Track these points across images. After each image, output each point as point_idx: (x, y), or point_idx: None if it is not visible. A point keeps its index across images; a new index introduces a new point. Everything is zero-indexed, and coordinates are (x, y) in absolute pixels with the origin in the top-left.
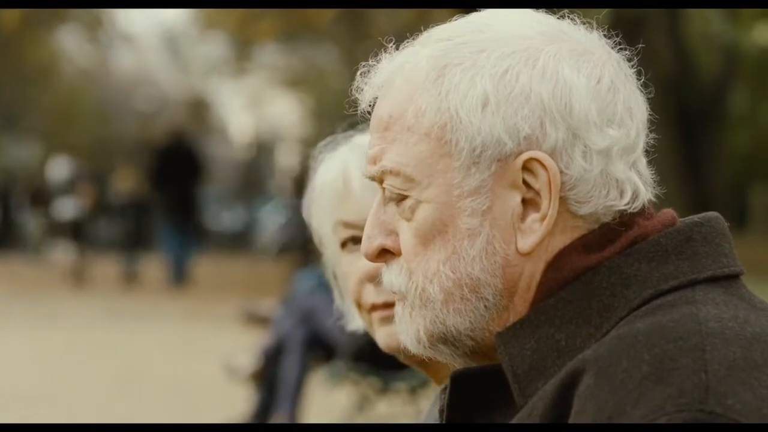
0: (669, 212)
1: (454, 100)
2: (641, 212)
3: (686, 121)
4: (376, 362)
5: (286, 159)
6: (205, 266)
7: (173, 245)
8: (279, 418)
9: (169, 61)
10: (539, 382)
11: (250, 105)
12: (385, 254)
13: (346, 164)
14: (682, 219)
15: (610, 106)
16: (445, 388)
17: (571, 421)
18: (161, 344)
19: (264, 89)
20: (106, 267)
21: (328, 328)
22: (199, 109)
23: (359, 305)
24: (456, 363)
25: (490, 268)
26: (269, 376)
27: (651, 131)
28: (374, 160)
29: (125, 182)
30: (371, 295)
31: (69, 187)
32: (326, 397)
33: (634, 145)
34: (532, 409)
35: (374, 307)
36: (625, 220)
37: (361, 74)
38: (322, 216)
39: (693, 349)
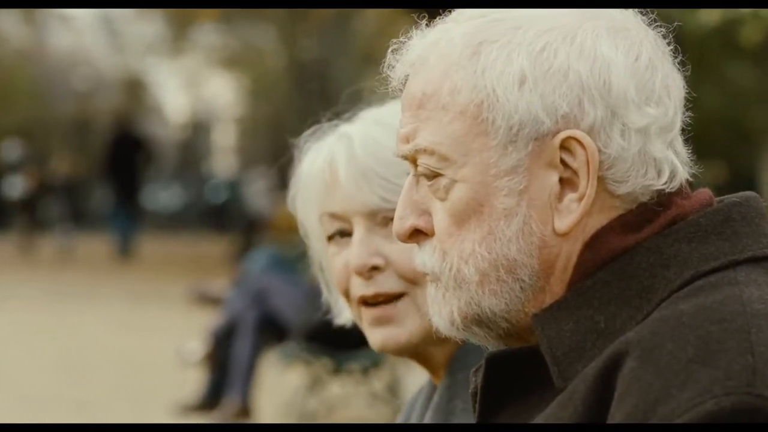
0: (706, 192)
1: (491, 78)
2: (678, 192)
3: None
4: (328, 343)
5: (223, 139)
6: (147, 246)
7: (119, 223)
8: (231, 399)
9: (105, 40)
10: (579, 365)
11: (187, 85)
12: (417, 235)
13: (333, 154)
14: (719, 198)
15: (648, 84)
16: (477, 370)
17: (615, 403)
18: (108, 325)
19: (201, 69)
20: (49, 247)
21: (280, 309)
22: (136, 88)
23: (348, 297)
24: (490, 345)
25: (527, 248)
26: (220, 358)
27: None
28: (407, 139)
29: (63, 163)
30: (360, 287)
31: (18, 167)
32: (278, 377)
33: (672, 123)
34: (573, 392)
35: (363, 300)
36: (663, 200)
37: (392, 51)
38: (308, 207)
39: (738, 331)
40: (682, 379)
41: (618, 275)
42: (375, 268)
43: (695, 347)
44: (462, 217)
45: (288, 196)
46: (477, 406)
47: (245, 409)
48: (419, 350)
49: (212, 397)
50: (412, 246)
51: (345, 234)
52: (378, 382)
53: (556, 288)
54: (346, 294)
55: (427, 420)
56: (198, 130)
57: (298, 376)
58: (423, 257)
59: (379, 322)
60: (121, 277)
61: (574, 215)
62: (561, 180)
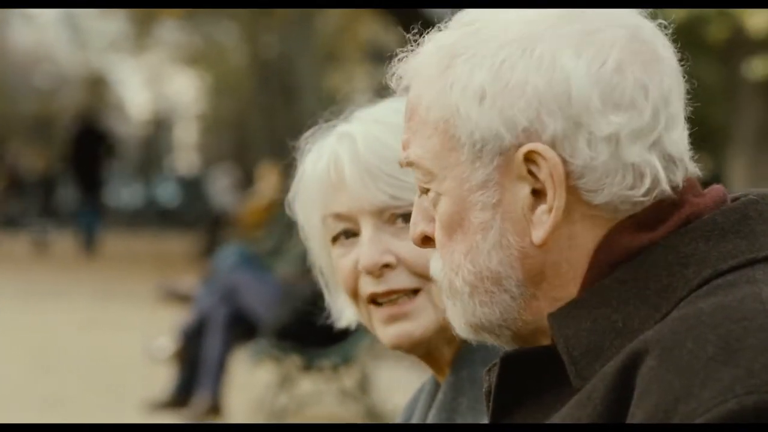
0: (719, 189)
1: (456, 94)
2: (691, 189)
3: None
4: (299, 340)
5: (185, 136)
6: (111, 243)
7: (84, 219)
8: (201, 396)
9: (68, 37)
10: (596, 364)
11: (149, 82)
12: (428, 241)
13: (336, 154)
14: (734, 195)
15: (616, 90)
16: (490, 369)
17: (635, 402)
18: (76, 322)
19: (163, 66)
20: (17, 244)
21: (250, 306)
22: (99, 86)
23: (356, 297)
24: (506, 347)
25: (507, 260)
26: (190, 355)
27: None
28: (404, 147)
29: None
30: (370, 285)
31: None
32: (249, 375)
33: (650, 125)
34: (591, 391)
35: (374, 297)
36: (676, 198)
37: (398, 58)
38: (310, 209)
39: (759, 330)
40: (703, 378)
41: (635, 274)
42: (386, 266)
43: (716, 346)
44: (450, 230)
45: (288, 198)
46: (490, 405)
47: (216, 407)
48: (431, 347)
49: (182, 395)
50: None
51: (350, 234)
52: (348, 379)
53: (556, 293)
54: (354, 295)
55: (431, 418)
56: (160, 128)
57: (268, 373)
58: (433, 265)
59: (394, 318)
60: (88, 273)
61: (545, 226)
62: (534, 191)
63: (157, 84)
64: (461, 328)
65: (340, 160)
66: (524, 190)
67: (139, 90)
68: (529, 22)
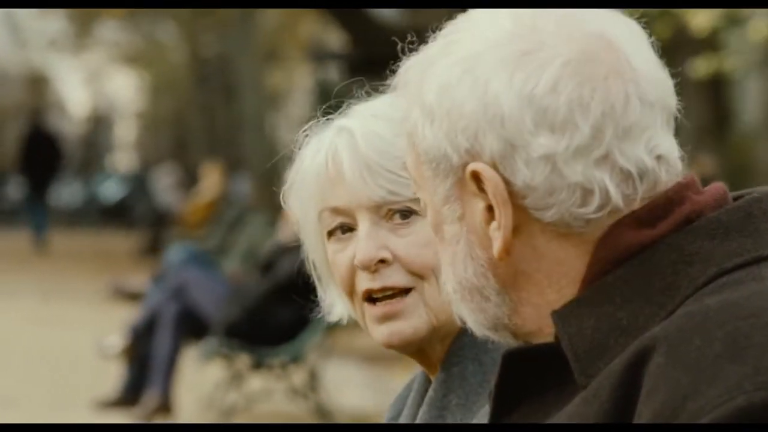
0: (720, 186)
1: (417, 111)
2: (690, 186)
3: None
4: (248, 338)
5: (125, 134)
6: (55, 241)
7: (32, 217)
8: (151, 394)
9: (8, 36)
10: (601, 362)
11: (89, 80)
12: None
13: (335, 148)
14: (735, 194)
15: (549, 110)
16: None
17: (642, 399)
18: (24, 320)
19: (103, 65)
20: None
21: (200, 304)
22: (39, 84)
23: (352, 294)
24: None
25: (480, 271)
26: (140, 353)
27: None
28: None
29: None
30: (366, 281)
31: None
32: (198, 373)
33: (593, 142)
34: (598, 389)
35: (369, 293)
36: (673, 195)
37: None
38: (307, 203)
39: (766, 327)
40: (710, 375)
41: (639, 272)
42: (382, 262)
43: (723, 343)
44: (437, 239)
45: (283, 192)
46: (491, 403)
47: (166, 405)
48: (423, 345)
49: (132, 393)
50: (418, 240)
51: (347, 229)
52: (297, 377)
53: (537, 299)
54: (350, 291)
55: (421, 414)
56: (100, 126)
57: (217, 371)
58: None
59: (386, 317)
60: (34, 272)
61: (498, 243)
62: (489, 207)
63: (96, 82)
64: (472, 327)
65: (339, 154)
66: (479, 206)
67: (79, 88)
68: (479, 40)
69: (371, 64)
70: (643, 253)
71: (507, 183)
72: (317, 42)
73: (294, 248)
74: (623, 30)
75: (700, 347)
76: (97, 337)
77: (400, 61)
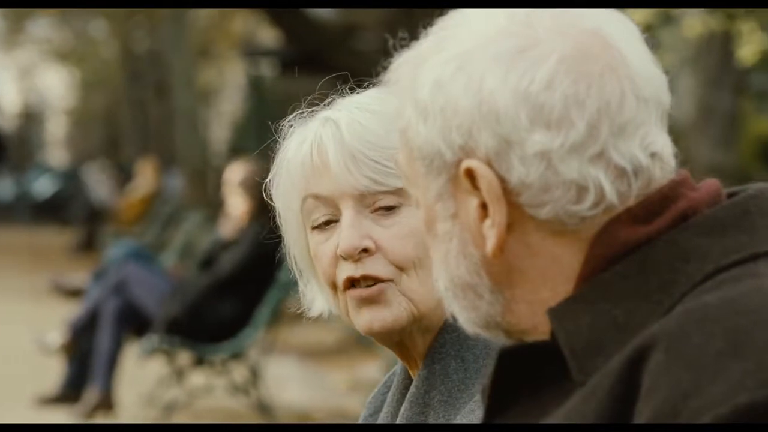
0: (714, 182)
1: (410, 108)
2: (685, 182)
3: None
4: (189, 334)
5: (56, 130)
6: None
7: None
8: (92, 391)
9: None
10: (598, 359)
11: (21, 77)
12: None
13: (320, 138)
14: (729, 190)
15: (545, 107)
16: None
17: (642, 397)
18: None
19: (34, 61)
20: None
21: (141, 300)
22: None
23: (334, 286)
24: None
25: (473, 268)
26: (81, 349)
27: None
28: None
29: None
30: (347, 269)
31: None
32: (140, 369)
33: (588, 139)
34: (595, 387)
35: (350, 282)
36: (668, 192)
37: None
38: (291, 192)
39: (766, 323)
40: (712, 373)
41: (635, 270)
42: (365, 251)
43: (724, 339)
44: (428, 236)
45: (267, 183)
46: (485, 400)
47: (107, 401)
48: (404, 336)
49: (73, 389)
50: (401, 231)
51: (330, 221)
52: (237, 373)
53: (532, 297)
54: (333, 283)
55: (402, 412)
56: (31, 122)
57: (159, 367)
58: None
59: (367, 302)
60: None
61: (491, 240)
62: (483, 205)
63: (28, 79)
64: (464, 326)
65: (324, 144)
66: (473, 203)
67: (11, 85)
68: (472, 36)
69: (304, 60)
70: (639, 250)
71: (501, 180)
72: (250, 38)
73: (235, 244)
74: (618, 26)
75: (700, 344)
76: (37, 333)
77: (333, 58)
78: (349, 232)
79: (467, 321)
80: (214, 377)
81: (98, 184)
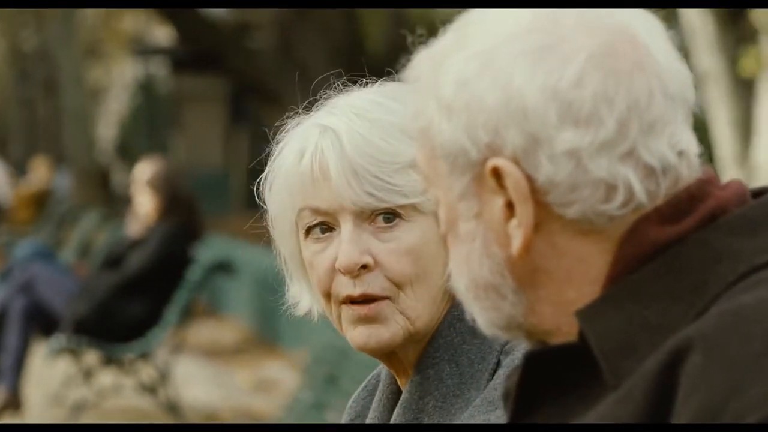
0: (740, 182)
1: (432, 105)
2: (711, 181)
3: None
4: (97, 334)
5: None
6: None
7: None
8: (0, 390)
9: None
10: (630, 361)
11: None
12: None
13: (321, 150)
14: (754, 189)
15: (575, 104)
16: (511, 374)
17: (681, 400)
18: None
19: None
20: None
21: (48, 299)
22: None
23: (328, 296)
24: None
25: (497, 268)
26: None
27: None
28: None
29: None
30: (346, 287)
31: None
32: (47, 368)
33: (618, 137)
34: (631, 389)
35: (349, 299)
36: (696, 192)
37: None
38: (287, 200)
39: None
40: (752, 375)
41: (666, 270)
42: (364, 267)
43: (763, 341)
44: (449, 236)
45: (264, 188)
46: (511, 405)
47: (15, 400)
48: (397, 350)
49: None
50: (399, 247)
51: (327, 228)
52: (145, 372)
53: (557, 298)
54: (327, 294)
55: (395, 417)
56: None
57: (66, 366)
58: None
59: (365, 320)
60: None
61: (517, 240)
62: (509, 204)
63: None
64: (483, 328)
65: (324, 156)
66: (498, 203)
67: None
68: (497, 33)
69: (196, 59)
70: (669, 250)
71: (528, 179)
72: (141, 37)
73: (143, 243)
74: (644, 24)
75: (739, 346)
76: None
77: (225, 57)
78: (348, 247)
79: (488, 322)
80: (123, 377)
81: None
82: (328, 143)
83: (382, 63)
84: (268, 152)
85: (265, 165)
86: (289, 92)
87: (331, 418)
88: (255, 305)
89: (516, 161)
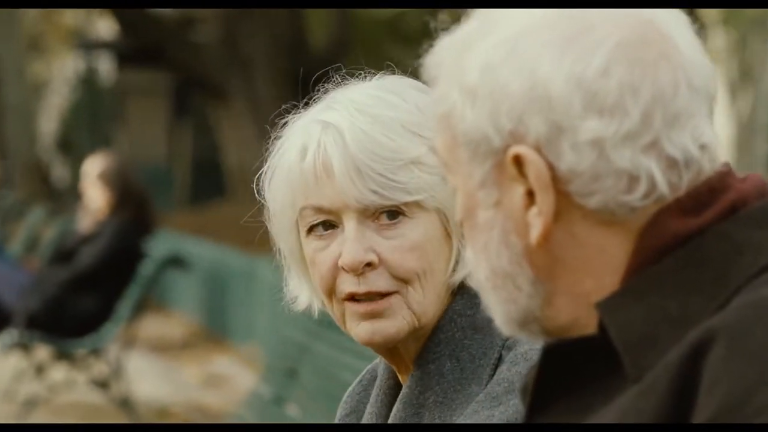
0: (759, 176)
1: (454, 91)
2: (731, 174)
3: (302, 84)
4: (49, 329)
5: None
6: None
7: None
8: None
9: None
10: (652, 353)
11: None
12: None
13: (324, 147)
14: None
15: (600, 93)
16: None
17: (704, 392)
18: None
19: None
20: None
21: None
22: None
23: (331, 294)
24: (540, 342)
25: (515, 258)
26: None
27: (270, 93)
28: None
29: None
30: (350, 284)
31: None
32: None
33: (642, 128)
34: (653, 382)
35: (352, 297)
36: (716, 184)
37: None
38: (289, 197)
39: None
40: None
41: (688, 262)
42: (368, 265)
43: None
44: (467, 225)
45: (263, 183)
46: (528, 398)
47: None
48: (399, 345)
49: None
50: (403, 244)
51: (329, 226)
52: (97, 368)
53: (575, 289)
54: (330, 291)
55: (395, 413)
56: None
57: (18, 361)
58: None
59: (371, 316)
60: None
61: (537, 229)
62: (529, 192)
63: None
64: (500, 324)
65: (327, 154)
66: (519, 191)
67: None
68: (524, 20)
69: (140, 54)
70: (690, 242)
71: (550, 167)
72: (84, 31)
73: (95, 237)
74: (670, 17)
75: (762, 338)
76: None
77: (170, 51)
78: (352, 245)
79: (504, 316)
80: (75, 372)
81: None
82: (330, 140)
83: (326, 58)
84: (212, 147)
85: (208, 161)
86: (233, 86)
87: (291, 412)
88: (203, 300)
89: (538, 149)
